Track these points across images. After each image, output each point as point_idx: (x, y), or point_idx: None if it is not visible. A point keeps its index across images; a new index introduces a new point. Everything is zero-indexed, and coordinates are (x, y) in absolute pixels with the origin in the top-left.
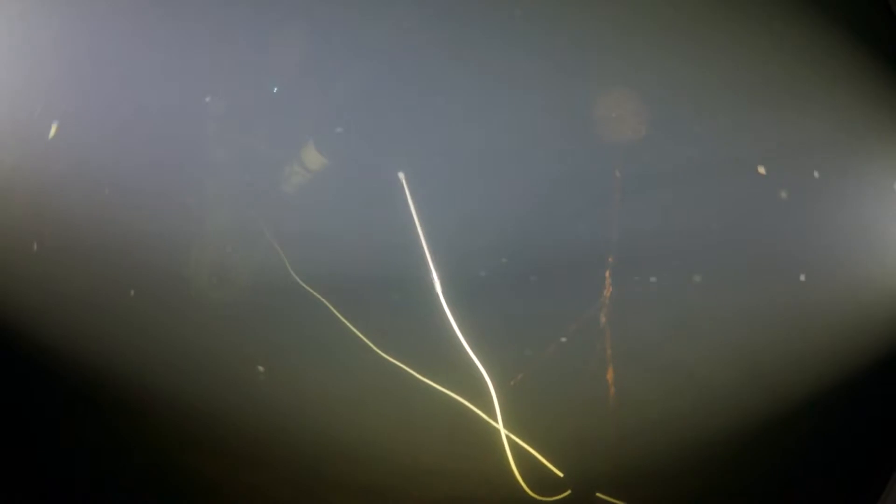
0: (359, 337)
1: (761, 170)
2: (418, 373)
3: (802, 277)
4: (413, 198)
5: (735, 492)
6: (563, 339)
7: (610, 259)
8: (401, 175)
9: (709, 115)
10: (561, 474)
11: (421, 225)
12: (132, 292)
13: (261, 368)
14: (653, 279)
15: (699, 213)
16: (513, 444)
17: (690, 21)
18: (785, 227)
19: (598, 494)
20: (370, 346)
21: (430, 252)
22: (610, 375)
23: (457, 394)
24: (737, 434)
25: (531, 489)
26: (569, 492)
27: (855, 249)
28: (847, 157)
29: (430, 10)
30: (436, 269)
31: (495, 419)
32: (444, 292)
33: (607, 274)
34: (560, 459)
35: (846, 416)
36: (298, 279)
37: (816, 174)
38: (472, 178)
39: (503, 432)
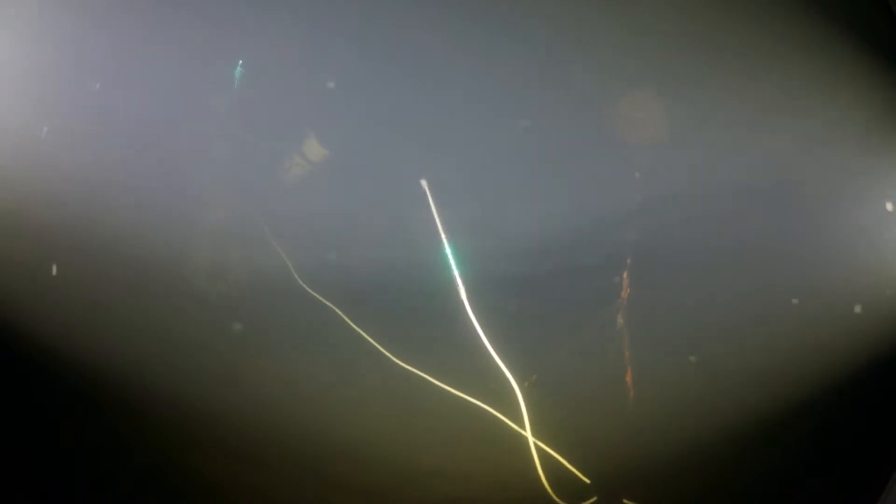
0: (369, 341)
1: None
2: (440, 378)
3: (801, 278)
4: (435, 202)
5: (735, 492)
6: (587, 345)
7: (628, 260)
8: (423, 182)
9: (708, 114)
10: (588, 480)
11: (443, 228)
12: (133, 291)
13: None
14: (664, 281)
15: (701, 212)
16: (539, 450)
17: (690, 21)
18: (785, 227)
19: (624, 501)
20: (381, 351)
21: (451, 254)
22: (629, 378)
23: (480, 399)
24: (737, 434)
25: (557, 495)
26: (595, 498)
27: (855, 249)
28: (847, 157)
29: (446, 10)
30: (458, 272)
31: (521, 425)
32: (466, 296)
33: (625, 275)
34: (583, 465)
35: (846, 416)
36: (301, 282)
37: (814, 173)
38: (490, 180)
39: (530, 438)
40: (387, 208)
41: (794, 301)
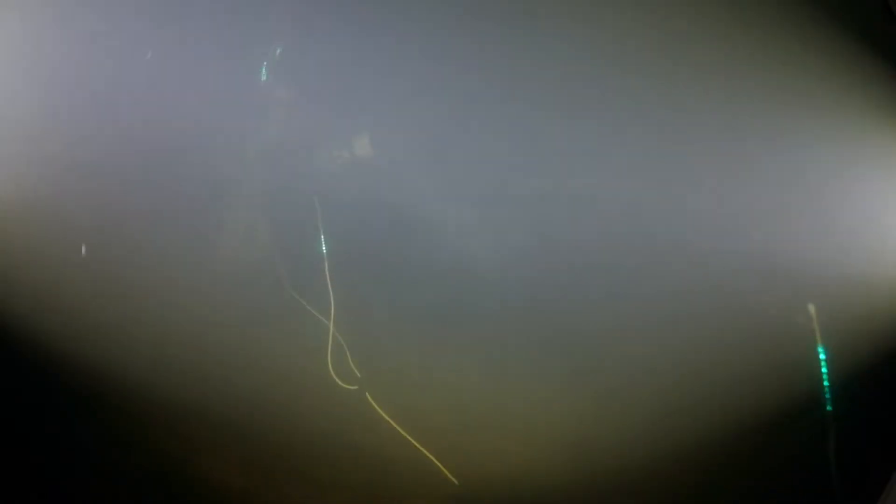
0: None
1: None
2: None
3: (801, 277)
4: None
5: (734, 492)
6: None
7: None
8: None
9: (704, 114)
10: None
11: None
12: (136, 291)
13: None
14: (653, 278)
15: (696, 211)
16: None
17: (685, 21)
18: (784, 227)
19: None
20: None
21: None
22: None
23: None
24: (736, 434)
25: None
26: None
27: (855, 249)
28: (846, 157)
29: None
30: None
31: None
32: None
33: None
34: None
35: (846, 416)
36: (295, 294)
37: (814, 174)
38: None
39: None
40: None
41: (793, 300)
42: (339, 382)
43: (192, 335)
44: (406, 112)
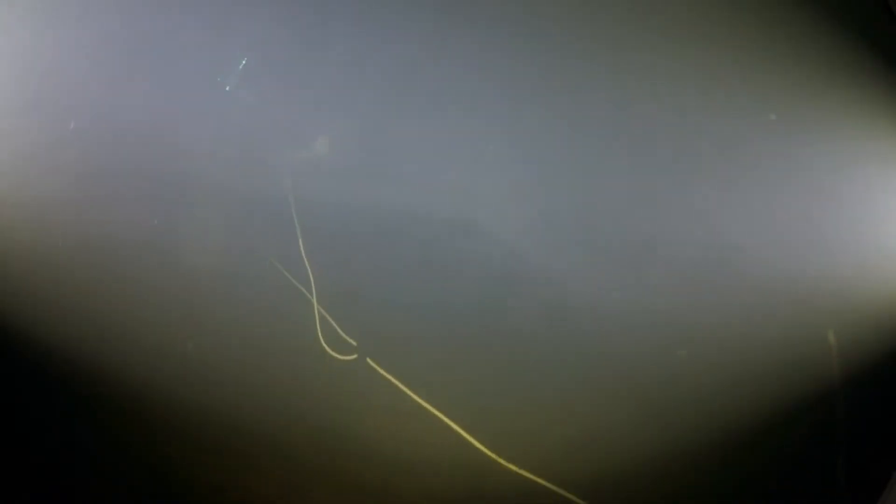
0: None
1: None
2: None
3: (801, 277)
4: None
5: (734, 492)
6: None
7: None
8: None
9: (704, 114)
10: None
11: None
12: (135, 293)
13: None
14: (650, 279)
15: (694, 210)
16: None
17: (684, 20)
18: (783, 227)
19: None
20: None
21: None
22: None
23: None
24: (736, 434)
25: None
26: None
27: (854, 250)
28: (846, 157)
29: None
30: None
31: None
32: None
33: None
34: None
35: (846, 416)
36: (283, 269)
37: (814, 174)
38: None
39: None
40: None
41: (792, 301)
42: (335, 354)
43: (185, 331)
44: (385, 109)
